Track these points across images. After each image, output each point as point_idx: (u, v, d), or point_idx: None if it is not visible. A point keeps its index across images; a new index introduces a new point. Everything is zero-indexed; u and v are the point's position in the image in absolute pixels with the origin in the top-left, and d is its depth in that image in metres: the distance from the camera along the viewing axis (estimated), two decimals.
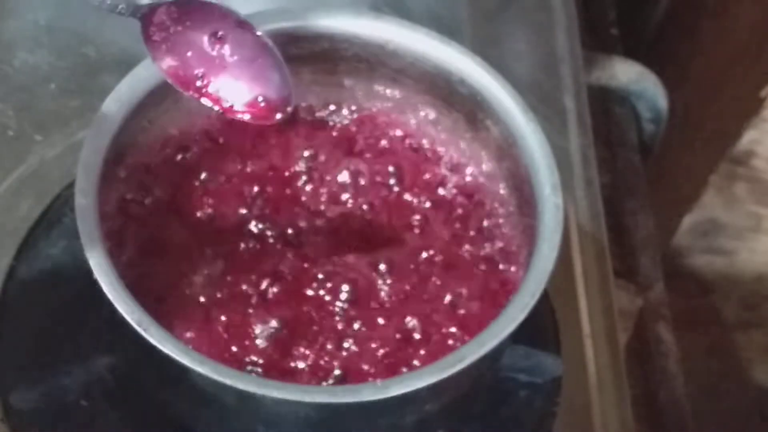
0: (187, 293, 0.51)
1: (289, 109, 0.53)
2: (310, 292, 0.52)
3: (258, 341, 0.50)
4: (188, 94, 0.51)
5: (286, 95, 0.52)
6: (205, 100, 0.51)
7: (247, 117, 0.52)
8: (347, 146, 0.57)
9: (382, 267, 0.53)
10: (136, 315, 0.45)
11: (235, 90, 0.52)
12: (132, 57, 0.52)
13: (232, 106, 0.52)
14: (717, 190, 0.90)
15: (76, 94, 0.64)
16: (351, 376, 0.50)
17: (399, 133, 0.57)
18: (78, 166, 0.48)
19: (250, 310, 0.51)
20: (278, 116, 0.53)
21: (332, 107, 0.57)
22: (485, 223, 0.55)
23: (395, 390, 0.45)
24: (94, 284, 0.46)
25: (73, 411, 0.54)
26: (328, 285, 0.52)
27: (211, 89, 0.52)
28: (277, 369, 0.49)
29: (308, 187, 0.56)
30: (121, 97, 0.51)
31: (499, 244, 0.54)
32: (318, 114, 0.57)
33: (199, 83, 0.51)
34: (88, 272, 0.46)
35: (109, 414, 0.54)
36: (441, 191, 0.56)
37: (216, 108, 0.52)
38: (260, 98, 0.52)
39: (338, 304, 0.52)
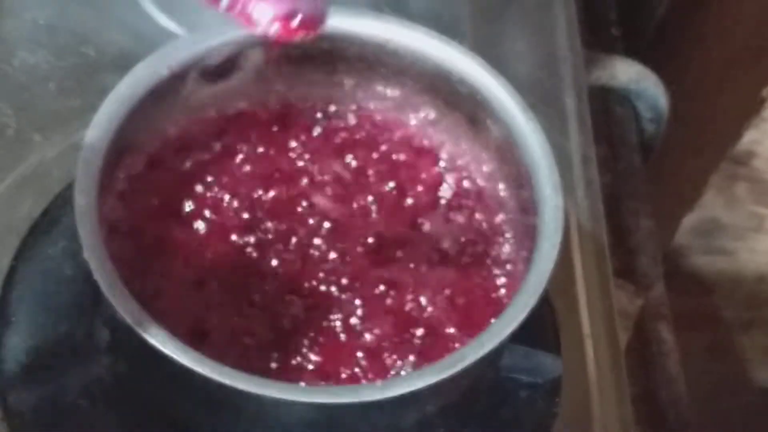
0: (186, 294, 0.51)
1: (320, 28, 0.51)
2: (310, 292, 0.52)
3: (259, 343, 0.50)
4: (217, 10, 0.49)
5: (318, 12, 0.51)
6: (233, 16, 0.50)
7: (275, 32, 0.50)
8: (347, 146, 0.57)
9: (383, 267, 0.53)
10: (135, 316, 0.45)
11: (263, 6, 0.50)
12: (132, 57, 0.52)
13: (260, 20, 0.50)
14: (717, 190, 0.90)
15: (76, 93, 0.64)
16: (352, 375, 0.50)
17: (399, 133, 0.57)
18: (78, 166, 0.48)
19: (252, 313, 0.51)
20: (308, 33, 0.51)
21: (332, 107, 0.57)
22: (485, 223, 0.55)
23: (395, 390, 0.45)
24: (94, 284, 0.45)
25: (72, 411, 0.53)
26: (328, 285, 0.52)
27: (239, 6, 0.50)
28: (278, 370, 0.49)
29: (309, 187, 0.55)
30: (120, 96, 0.50)
31: (500, 244, 0.54)
32: (318, 114, 0.57)
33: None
34: (88, 272, 0.46)
35: (109, 414, 0.54)
36: (441, 191, 0.56)
37: (244, 24, 0.50)
38: (290, 15, 0.50)
39: (338, 303, 0.52)
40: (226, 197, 0.54)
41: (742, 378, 1.00)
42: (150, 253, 0.52)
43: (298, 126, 0.57)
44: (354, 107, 0.57)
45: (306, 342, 0.50)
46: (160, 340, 0.44)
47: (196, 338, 0.49)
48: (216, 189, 0.54)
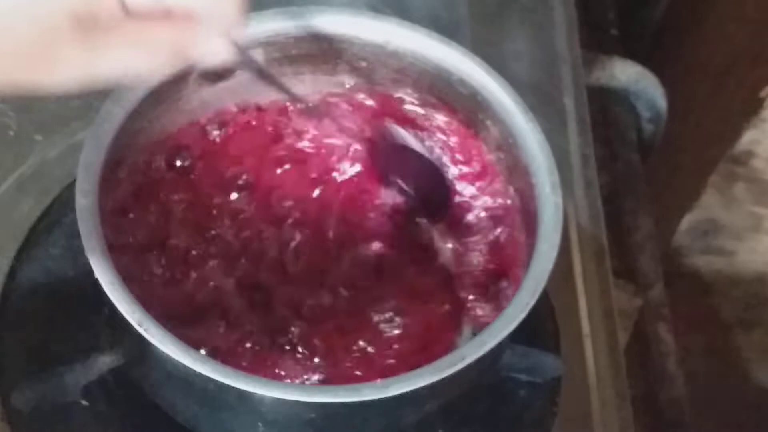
0: (187, 292, 0.51)
1: None
2: (315, 296, 0.52)
3: (261, 341, 0.50)
4: None
5: None
6: None
7: None
8: (347, 146, 0.57)
9: (383, 268, 0.53)
10: (136, 315, 0.45)
11: None
12: None
13: None
14: (716, 190, 0.90)
15: (77, 94, 0.64)
16: (352, 375, 0.50)
17: (399, 133, 0.57)
18: (78, 166, 0.48)
19: (249, 309, 0.51)
20: None
21: (332, 107, 0.57)
22: (485, 222, 0.55)
23: (395, 389, 0.45)
24: (95, 284, 0.46)
25: (73, 410, 0.54)
26: (332, 287, 0.52)
27: None
28: (279, 368, 0.50)
29: (309, 188, 0.55)
30: (121, 97, 0.50)
31: (499, 243, 0.54)
32: (318, 114, 0.57)
33: None
34: (89, 272, 0.46)
35: (109, 413, 0.54)
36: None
37: None
38: None
39: (342, 303, 0.52)
40: (226, 197, 0.54)
41: (740, 377, 1.00)
42: (151, 251, 0.52)
43: (297, 126, 0.57)
44: (354, 107, 0.57)
45: (309, 341, 0.51)
46: (160, 340, 0.44)
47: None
48: (215, 189, 0.54)
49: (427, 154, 0.54)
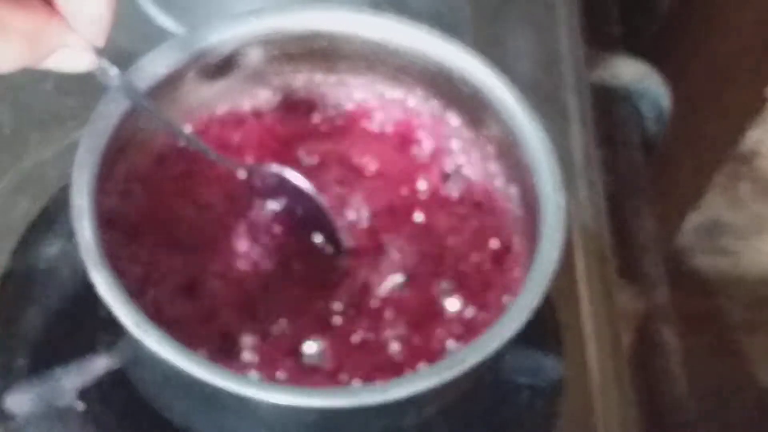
0: (186, 291, 0.51)
1: None
2: (315, 295, 0.52)
3: (261, 339, 0.50)
4: None
5: None
6: None
7: None
8: (347, 145, 0.57)
9: (384, 267, 0.53)
10: (133, 317, 0.45)
11: None
12: (130, 55, 0.52)
13: None
14: (721, 189, 0.90)
15: (73, 92, 0.64)
16: (353, 376, 0.50)
17: (400, 132, 0.57)
18: (74, 166, 0.48)
19: (249, 309, 0.51)
20: None
21: (332, 106, 0.57)
22: (487, 222, 0.55)
23: (396, 393, 0.45)
24: (91, 286, 0.45)
25: (69, 414, 0.54)
26: (332, 285, 0.52)
27: None
28: (275, 368, 0.50)
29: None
30: (117, 96, 0.50)
31: (501, 244, 0.54)
32: (318, 113, 0.57)
33: None
34: (85, 273, 0.46)
35: (106, 416, 0.54)
36: (442, 191, 0.56)
37: None
38: None
39: (340, 303, 0.52)
40: (224, 198, 0.54)
41: (745, 379, 1.00)
42: (149, 252, 0.51)
43: (297, 125, 0.56)
44: (354, 106, 0.57)
45: (308, 341, 0.50)
46: (156, 342, 0.44)
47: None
48: (213, 188, 0.54)
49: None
